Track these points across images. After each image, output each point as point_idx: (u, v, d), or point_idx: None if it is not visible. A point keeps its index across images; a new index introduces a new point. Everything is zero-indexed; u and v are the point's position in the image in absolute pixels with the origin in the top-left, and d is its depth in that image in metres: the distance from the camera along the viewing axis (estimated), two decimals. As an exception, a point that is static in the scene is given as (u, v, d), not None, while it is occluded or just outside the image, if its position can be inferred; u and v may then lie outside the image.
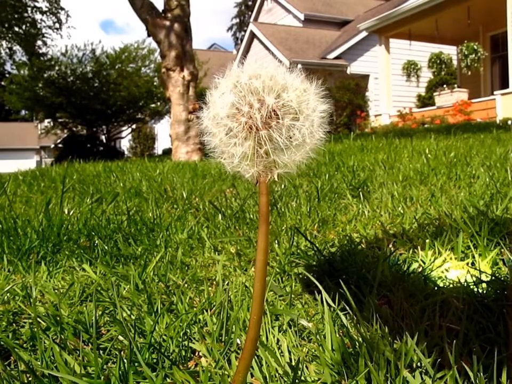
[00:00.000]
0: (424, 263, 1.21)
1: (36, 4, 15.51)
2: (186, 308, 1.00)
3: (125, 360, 0.77)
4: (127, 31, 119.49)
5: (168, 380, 0.75)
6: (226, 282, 1.20)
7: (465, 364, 0.70)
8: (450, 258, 1.22)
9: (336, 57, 16.83)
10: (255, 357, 0.77)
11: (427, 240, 1.30)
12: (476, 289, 0.98)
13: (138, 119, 20.21)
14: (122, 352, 0.84)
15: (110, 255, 1.42)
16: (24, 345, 0.92)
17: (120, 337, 0.90)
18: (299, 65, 15.36)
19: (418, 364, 0.73)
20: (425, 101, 15.97)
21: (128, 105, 18.24)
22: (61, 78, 17.28)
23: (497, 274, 1.07)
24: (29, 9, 15.38)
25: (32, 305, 1.02)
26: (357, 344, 0.79)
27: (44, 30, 16.16)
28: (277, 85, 0.47)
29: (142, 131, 23.32)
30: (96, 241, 1.53)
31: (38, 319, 0.96)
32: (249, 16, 26.63)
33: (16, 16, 15.17)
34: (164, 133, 19.58)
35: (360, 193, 2.04)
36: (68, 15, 16.63)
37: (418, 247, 1.30)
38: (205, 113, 0.51)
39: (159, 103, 18.85)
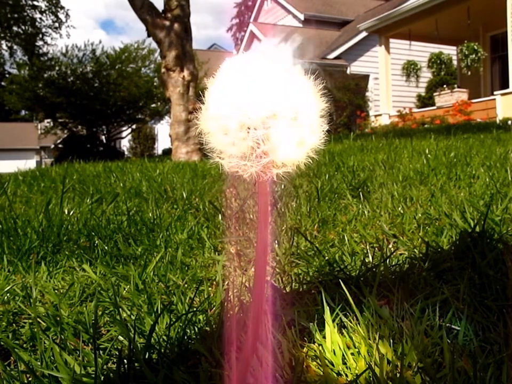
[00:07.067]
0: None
1: (35, 3, 15.52)
2: (186, 308, 1.00)
3: (125, 360, 0.77)
4: (127, 31, 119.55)
5: (168, 380, 0.75)
6: (226, 282, 1.20)
7: (465, 364, 0.70)
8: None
9: (336, 57, 16.83)
10: (255, 357, 0.77)
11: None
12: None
13: (138, 119, 20.17)
14: (122, 352, 0.84)
15: (110, 255, 1.42)
16: (24, 345, 0.92)
17: (120, 337, 0.90)
18: (299, 65, 15.33)
19: (419, 364, 0.73)
20: (425, 101, 15.97)
21: (128, 105, 18.22)
22: (61, 78, 17.25)
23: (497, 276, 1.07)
24: (28, 8, 15.39)
25: (32, 306, 1.02)
26: (357, 344, 0.79)
27: (43, 30, 16.17)
28: (277, 84, 0.47)
29: (142, 131, 23.28)
30: (96, 242, 1.53)
31: (38, 319, 0.96)
32: (249, 16, 26.63)
33: (15, 15, 15.16)
34: (164, 133, 19.56)
35: (360, 194, 2.04)
36: (67, 14, 16.64)
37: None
38: (203, 112, 0.51)
39: (159, 103, 18.83)
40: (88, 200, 2.35)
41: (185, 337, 0.88)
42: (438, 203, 1.77)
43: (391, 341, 0.79)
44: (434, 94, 12.87)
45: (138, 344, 0.83)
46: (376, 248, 1.38)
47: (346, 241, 1.41)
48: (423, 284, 1.05)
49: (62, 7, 16.58)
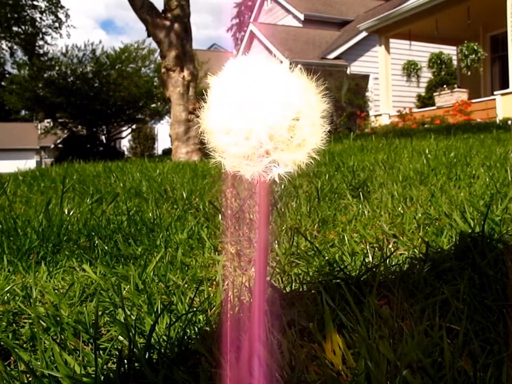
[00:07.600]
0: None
1: (35, 3, 15.53)
2: (186, 308, 1.00)
3: (125, 360, 0.77)
4: (127, 31, 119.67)
5: (168, 380, 0.75)
6: (226, 282, 1.20)
7: (465, 364, 0.70)
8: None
9: (336, 57, 16.83)
10: (255, 357, 0.77)
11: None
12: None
13: (138, 119, 20.17)
14: (122, 352, 0.84)
15: (110, 255, 1.42)
16: (24, 345, 0.92)
17: (120, 337, 0.90)
18: (299, 66, 15.35)
19: (418, 364, 0.73)
20: (425, 101, 15.96)
21: (128, 105, 18.22)
22: (61, 78, 17.24)
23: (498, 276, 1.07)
24: (28, 8, 15.41)
25: (32, 306, 1.02)
26: (357, 344, 0.78)
27: (43, 30, 16.19)
28: (279, 84, 0.47)
29: (142, 131, 23.28)
30: (96, 242, 1.53)
31: (38, 319, 0.96)
32: (249, 16, 26.63)
33: (15, 15, 15.18)
34: (163, 133, 19.54)
35: (360, 194, 2.04)
36: (67, 14, 16.65)
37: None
38: (205, 112, 0.51)
39: (159, 103, 18.83)
40: (88, 200, 2.35)
41: (185, 337, 0.88)
42: (438, 203, 1.77)
43: (391, 341, 0.79)
44: (434, 94, 12.87)
45: (139, 344, 0.83)
46: (376, 248, 1.38)
47: (346, 241, 1.41)
48: (423, 284, 1.05)
49: (62, 7, 16.60)
